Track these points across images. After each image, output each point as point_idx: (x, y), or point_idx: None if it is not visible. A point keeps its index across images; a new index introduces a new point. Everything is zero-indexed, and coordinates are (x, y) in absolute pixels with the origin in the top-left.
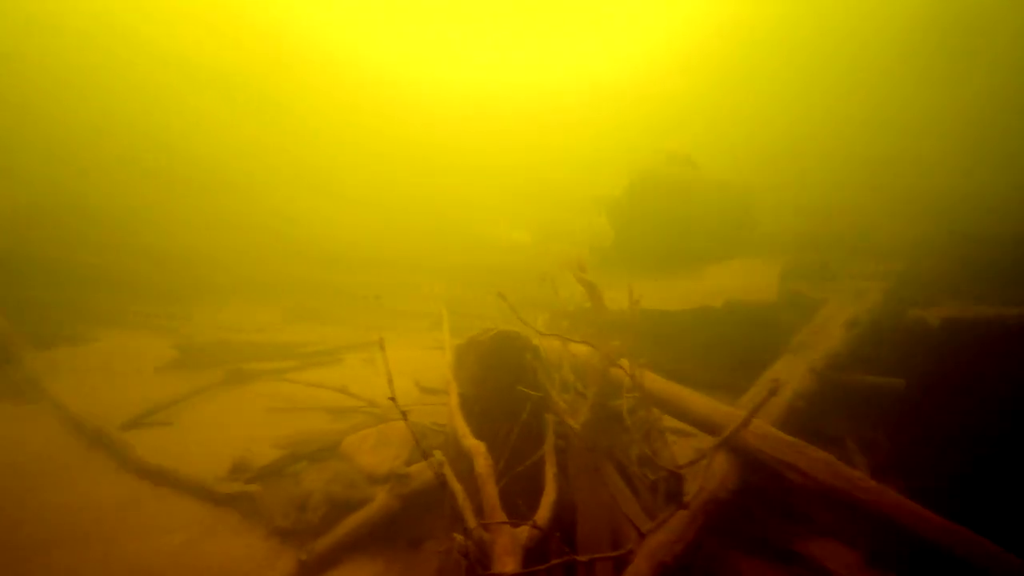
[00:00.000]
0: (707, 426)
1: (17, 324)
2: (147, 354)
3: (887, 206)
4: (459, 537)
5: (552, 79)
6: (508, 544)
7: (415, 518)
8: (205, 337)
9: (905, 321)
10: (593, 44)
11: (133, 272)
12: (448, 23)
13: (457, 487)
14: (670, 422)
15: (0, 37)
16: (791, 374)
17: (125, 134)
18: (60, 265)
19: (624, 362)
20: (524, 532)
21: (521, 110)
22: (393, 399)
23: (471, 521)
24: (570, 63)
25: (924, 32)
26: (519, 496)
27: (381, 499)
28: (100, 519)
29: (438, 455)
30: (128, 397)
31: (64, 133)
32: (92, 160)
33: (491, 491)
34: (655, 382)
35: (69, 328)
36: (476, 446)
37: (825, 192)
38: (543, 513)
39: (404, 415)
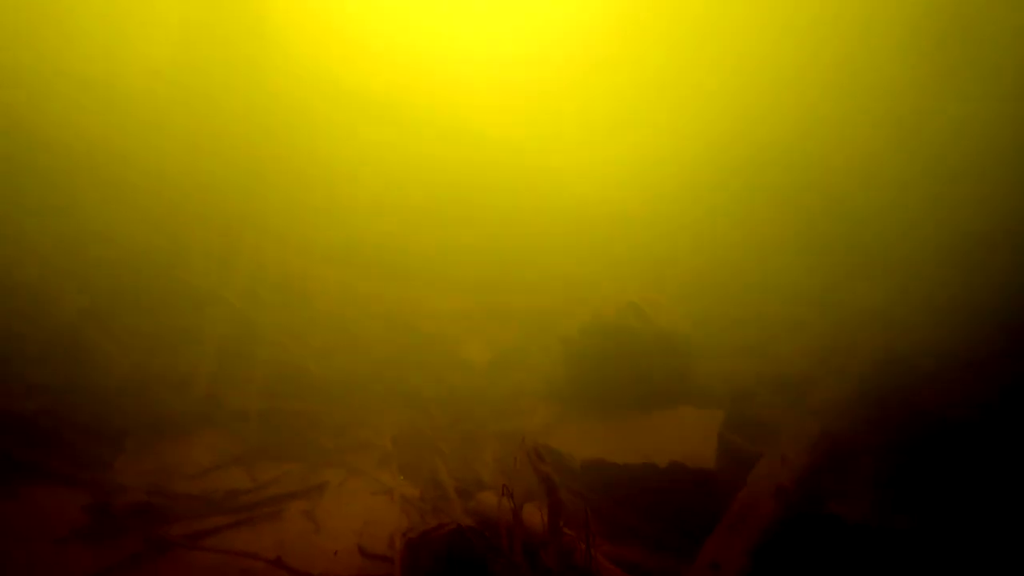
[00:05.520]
0: None
1: None
2: (53, 519)
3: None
4: None
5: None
6: None
7: None
8: (125, 494)
9: (823, 512)
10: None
11: (66, 414)
12: None
13: None
14: None
15: None
16: (728, 555)
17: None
18: None
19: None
20: None
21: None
22: None
23: None
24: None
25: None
26: None
27: None
28: None
29: None
30: None
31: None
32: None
33: None
34: (608, 572)
35: None
36: None
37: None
38: None
39: None
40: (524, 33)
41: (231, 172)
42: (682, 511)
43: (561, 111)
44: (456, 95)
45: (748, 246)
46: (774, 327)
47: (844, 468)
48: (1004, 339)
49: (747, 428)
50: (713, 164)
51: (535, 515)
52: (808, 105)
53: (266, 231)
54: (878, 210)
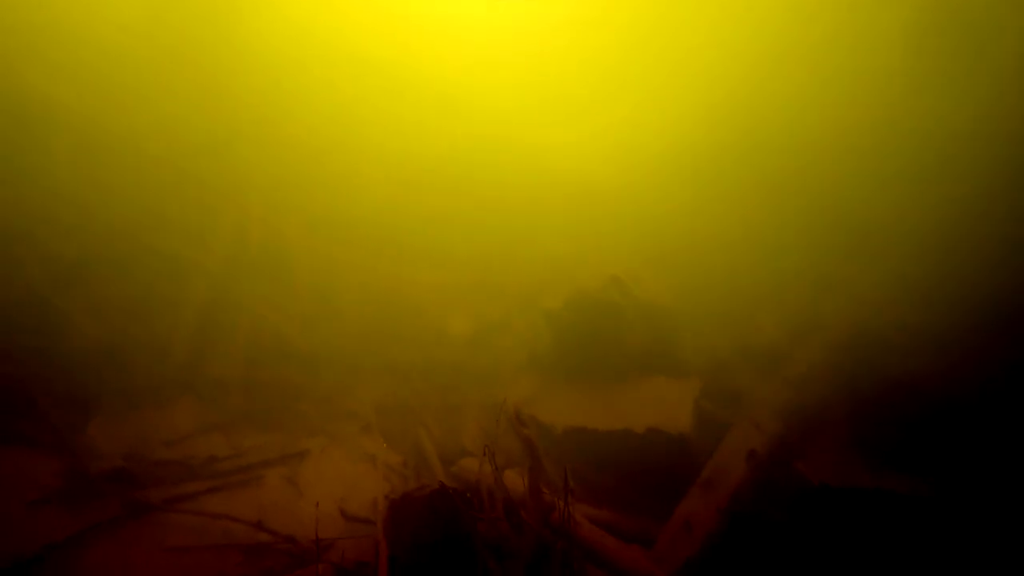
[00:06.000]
0: None
1: None
2: (28, 484)
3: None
4: None
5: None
6: None
7: None
8: (101, 460)
9: (791, 473)
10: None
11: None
12: None
13: None
14: None
15: None
16: (700, 514)
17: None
18: None
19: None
20: None
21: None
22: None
23: None
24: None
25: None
26: None
27: None
28: None
29: None
30: None
31: None
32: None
33: None
34: (585, 530)
35: None
36: None
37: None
38: None
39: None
40: (509, 6)
41: (212, 136)
42: (658, 475)
43: (547, 86)
44: (443, 68)
45: (730, 222)
46: (753, 301)
47: (815, 436)
48: (976, 317)
49: (723, 397)
50: (698, 141)
51: (516, 480)
52: (795, 82)
53: (248, 198)
54: (860, 188)
